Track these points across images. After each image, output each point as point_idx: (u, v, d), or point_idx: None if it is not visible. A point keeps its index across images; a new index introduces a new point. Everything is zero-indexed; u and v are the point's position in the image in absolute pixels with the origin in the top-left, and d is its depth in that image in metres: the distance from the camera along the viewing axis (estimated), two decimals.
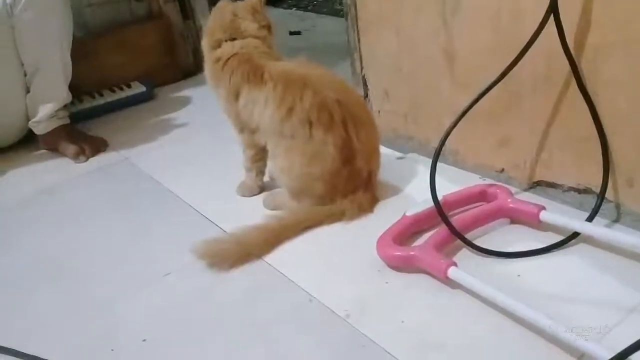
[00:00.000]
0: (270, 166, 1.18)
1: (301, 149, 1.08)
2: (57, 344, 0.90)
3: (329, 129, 1.06)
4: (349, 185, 1.11)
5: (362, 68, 1.39)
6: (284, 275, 0.98)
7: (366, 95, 1.40)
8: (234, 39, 1.15)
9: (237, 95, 1.13)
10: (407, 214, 1.02)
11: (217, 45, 1.16)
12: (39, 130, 1.62)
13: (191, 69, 2.14)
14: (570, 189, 1.04)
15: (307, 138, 1.07)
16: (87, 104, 1.85)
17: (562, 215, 0.97)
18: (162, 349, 0.87)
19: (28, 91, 1.59)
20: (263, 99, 1.09)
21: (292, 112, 1.07)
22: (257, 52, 1.14)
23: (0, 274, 1.12)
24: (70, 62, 1.62)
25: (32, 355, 0.87)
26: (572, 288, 0.86)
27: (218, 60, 1.15)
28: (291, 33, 2.68)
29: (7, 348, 0.89)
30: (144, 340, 0.88)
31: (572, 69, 0.94)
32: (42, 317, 0.98)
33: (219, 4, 1.20)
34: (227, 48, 1.15)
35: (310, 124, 1.06)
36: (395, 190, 1.19)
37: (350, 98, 1.11)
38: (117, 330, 0.92)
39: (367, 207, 1.12)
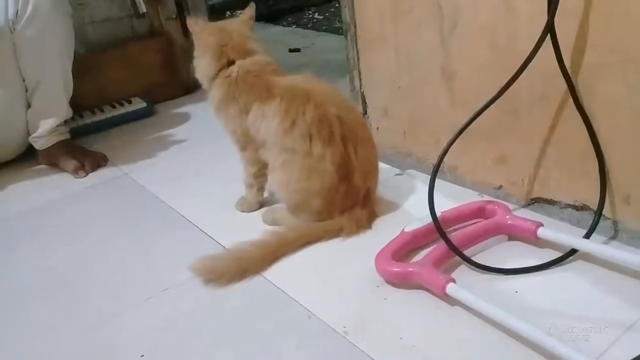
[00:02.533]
0: (270, 180, 1.19)
1: (300, 163, 1.09)
2: (54, 358, 0.90)
3: (328, 144, 1.07)
4: (347, 202, 1.11)
5: (361, 85, 1.40)
6: (282, 291, 0.98)
7: (365, 112, 1.41)
8: (244, 58, 1.16)
9: (248, 112, 1.14)
10: (406, 230, 1.02)
11: (228, 64, 1.16)
12: (39, 145, 1.62)
13: (191, 86, 2.15)
14: (568, 206, 1.05)
15: (306, 152, 1.08)
16: (88, 119, 1.87)
17: (560, 232, 0.98)
18: None
19: (29, 106, 1.60)
20: (271, 113, 1.11)
21: (295, 125, 1.08)
22: (268, 69, 1.16)
23: None
24: (71, 78, 1.63)
25: None
26: (570, 305, 0.86)
27: (229, 77, 1.15)
28: (291, 50, 2.70)
29: None
30: (142, 355, 0.88)
31: (568, 87, 0.95)
32: (39, 332, 0.97)
33: (217, 25, 1.20)
34: (239, 66, 1.15)
35: (311, 137, 1.07)
36: (393, 207, 1.19)
37: (351, 115, 1.12)
38: (115, 345, 0.92)
39: (365, 223, 1.12)
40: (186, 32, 2.13)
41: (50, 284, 1.10)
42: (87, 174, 1.57)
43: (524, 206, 1.12)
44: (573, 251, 0.94)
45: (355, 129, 1.11)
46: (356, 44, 1.36)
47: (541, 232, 0.98)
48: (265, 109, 1.11)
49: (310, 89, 1.11)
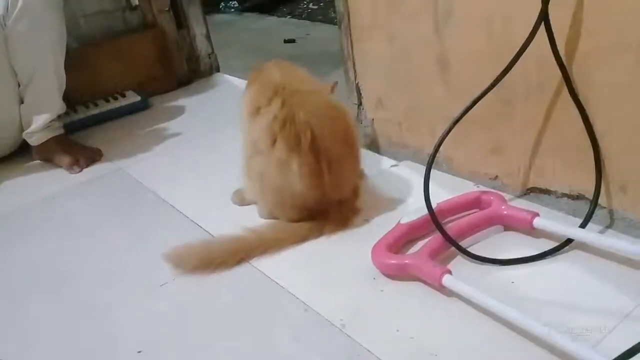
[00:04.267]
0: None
1: (266, 163, 1.07)
2: (52, 354, 0.90)
3: (295, 151, 1.03)
4: (321, 207, 1.09)
5: (355, 76, 1.39)
6: (279, 284, 0.98)
7: (360, 103, 1.40)
8: None
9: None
10: (402, 221, 1.02)
11: None
12: (33, 141, 1.61)
13: (185, 78, 2.14)
14: (564, 195, 1.05)
15: (269, 150, 1.05)
16: (82, 114, 1.85)
17: (556, 221, 0.98)
18: (158, 359, 0.86)
19: (22, 102, 1.59)
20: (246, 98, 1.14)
21: (259, 114, 1.07)
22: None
23: None
24: (64, 73, 1.61)
25: None
26: (566, 294, 0.86)
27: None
28: (286, 41, 2.69)
29: None
30: (140, 351, 0.88)
31: (563, 76, 0.94)
32: (36, 327, 0.97)
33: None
34: None
35: (275, 135, 1.04)
36: (389, 198, 1.19)
37: (331, 125, 1.07)
38: (112, 340, 0.92)
39: (348, 221, 1.11)
40: (179, 24, 2.12)
41: (46, 279, 1.10)
42: (82, 169, 1.56)
43: (520, 196, 1.12)
44: (569, 241, 0.94)
45: (333, 141, 1.06)
46: (350, 34, 1.35)
47: (537, 222, 0.97)
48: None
49: (287, 84, 1.08)
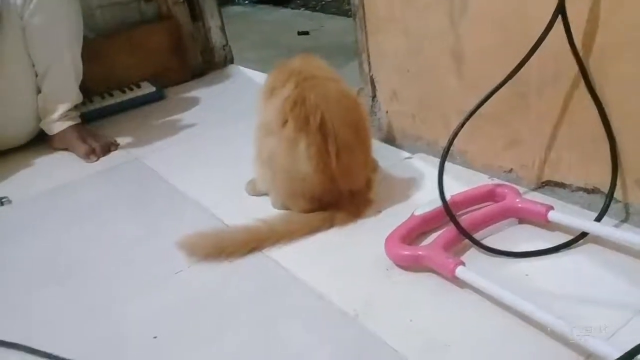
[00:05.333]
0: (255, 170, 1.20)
1: (276, 142, 1.08)
2: (67, 340, 0.92)
3: (304, 130, 1.04)
4: (332, 198, 1.10)
5: (370, 68, 1.39)
6: (293, 274, 0.99)
7: (374, 96, 1.40)
8: None
9: None
10: (416, 213, 1.03)
11: None
12: (50, 130, 1.63)
13: (200, 70, 2.15)
14: (579, 189, 1.04)
15: (279, 129, 1.07)
16: (98, 104, 1.87)
17: (571, 215, 0.97)
18: (173, 346, 0.88)
19: (39, 92, 1.61)
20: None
21: (273, 96, 1.09)
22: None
23: (11, 270, 1.14)
24: (80, 63, 1.63)
25: (44, 352, 0.88)
26: (580, 288, 0.86)
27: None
28: (299, 33, 2.69)
29: (19, 345, 0.91)
30: (155, 337, 0.89)
31: (580, 69, 0.94)
32: (52, 313, 0.99)
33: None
34: None
35: (285, 116, 1.06)
36: (403, 190, 1.19)
37: (343, 115, 1.08)
38: (128, 327, 0.93)
39: (359, 212, 1.11)
40: (194, 16, 2.13)
41: (61, 267, 1.12)
42: (98, 158, 1.58)
43: (535, 189, 1.11)
44: (584, 234, 0.94)
45: (343, 127, 1.06)
46: (365, 27, 1.35)
47: (551, 215, 0.97)
48: None
49: (303, 70, 1.11)
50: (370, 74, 1.40)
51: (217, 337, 0.88)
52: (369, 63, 1.39)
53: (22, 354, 0.90)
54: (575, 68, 0.94)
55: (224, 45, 2.21)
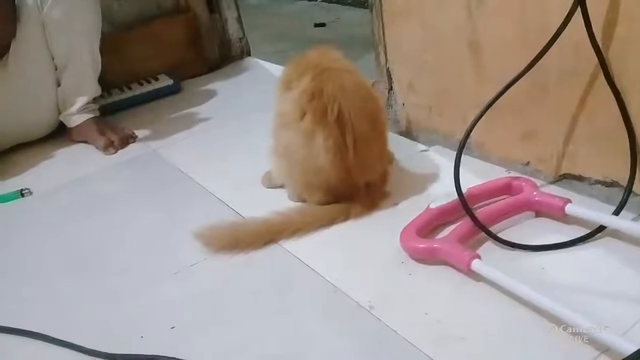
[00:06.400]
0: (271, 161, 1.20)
1: (293, 134, 1.08)
2: (86, 330, 0.93)
3: (321, 123, 1.04)
4: (347, 190, 1.10)
5: (386, 60, 1.39)
6: (308, 266, 0.99)
7: (391, 88, 1.40)
8: None
9: None
10: (432, 206, 1.02)
11: None
12: (69, 122, 1.66)
13: (217, 63, 2.16)
14: (597, 182, 1.03)
15: (296, 121, 1.07)
16: (116, 96, 1.89)
17: (588, 208, 0.96)
18: (192, 335, 0.89)
19: (59, 85, 1.63)
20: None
21: (290, 89, 1.09)
22: None
23: (31, 261, 1.16)
24: (99, 56, 1.65)
25: (63, 341, 0.90)
26: (597, 281, 0.86)
27: None
28: (316, 25, 2.68)
29: (38, 333, 0.92)
30: (173, 327, 0.91)
31: (599, 61, 0.93)
32: (71, 303, 1.01)
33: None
34: None
35: (303, 108, 1.06)
36: (419, 183, 1.19)
37: (362, 106, 1.08)
38: (146, 317, 0.94)
39: (374, 204, 1.11)
40: (211, 9, 2.14)
41: (80, 258, 1.14)
42: (116, 151, 1.60)
43: (552, 182, 1.10)
44: (601, 228, 0.93)
45: (360, 118, 1.06)
46: (382, 18, 1.35)
47: (569, 209, 0.97)
48: None
49: (319, 62, 1.11)
50: (387, 66, 1.39)
51: (234, 328, 0.89)
52: (386, 55, 1.38)
53: (40, 343, 0.91)
54: (594, 60, 0.93)
55: (240, 38, 2.22)
